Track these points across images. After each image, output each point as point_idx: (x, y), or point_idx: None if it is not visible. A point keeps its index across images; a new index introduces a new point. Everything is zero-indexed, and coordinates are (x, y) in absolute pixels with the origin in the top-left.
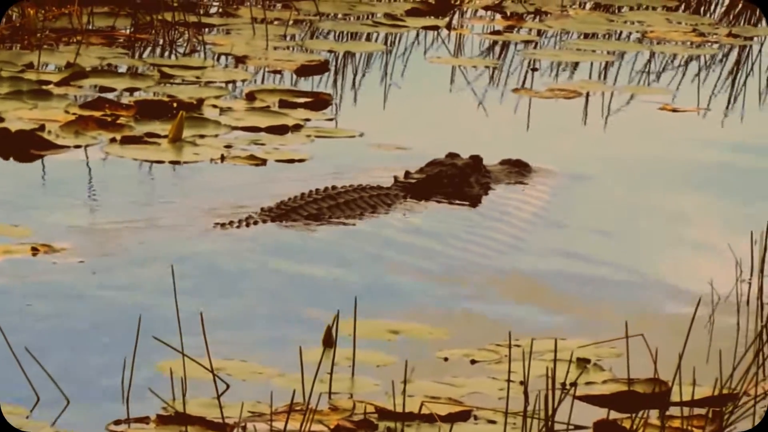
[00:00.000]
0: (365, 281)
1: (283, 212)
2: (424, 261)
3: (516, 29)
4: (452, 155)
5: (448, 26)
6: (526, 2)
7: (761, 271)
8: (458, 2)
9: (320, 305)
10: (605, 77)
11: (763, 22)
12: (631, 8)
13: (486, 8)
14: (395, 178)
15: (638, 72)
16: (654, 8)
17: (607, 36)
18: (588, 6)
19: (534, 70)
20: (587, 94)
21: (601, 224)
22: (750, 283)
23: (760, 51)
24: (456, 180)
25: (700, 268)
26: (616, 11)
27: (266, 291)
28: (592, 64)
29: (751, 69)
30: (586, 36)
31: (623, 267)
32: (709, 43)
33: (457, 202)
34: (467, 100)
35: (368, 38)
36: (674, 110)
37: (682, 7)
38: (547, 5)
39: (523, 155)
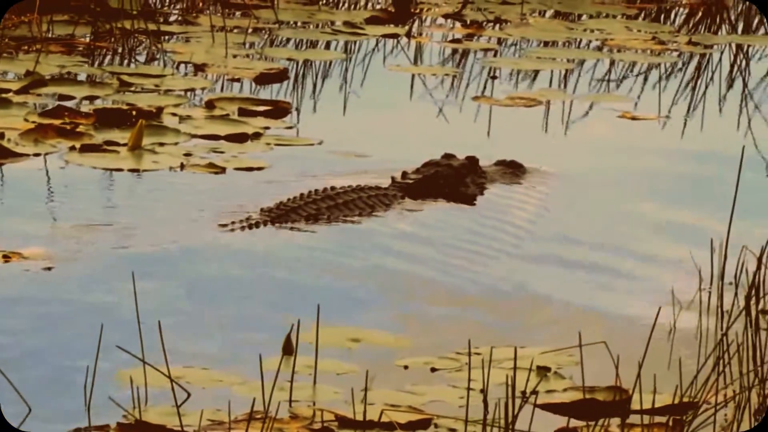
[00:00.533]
0: (332, 287)
1: (283, 213)
2: (407, 265)
3: (476, 37)
4: (448, 156)
5: (408, 34)
6: (486, 10)
7: (721, 279)
8: (418, 10)
9: (292, 310)
10: (565, 85)
11: (723, 29)
12: (591, 16)
13: (446, 16)
14: (393, 178)
15: (598, 80)
16: (614, 16)
17: (566, 44)
18: (548, 14)
19: (494, 78)
20: (547, 103)
21: (564, 230)
22: (710, 292)
23: (720, 59)
24: (452, 180)
25: (661, 276)
26: (576, 19)
27: (235, 295)
28: (552, 72)
29: (711, 77)
30: (545, 44)
31: (585, 275)
32: (669, 51)
33: (453, 202)
34: (427, 108)
35: (328, 46)
36: (634, 118)
37: (642, 15)
38: (507, 13)
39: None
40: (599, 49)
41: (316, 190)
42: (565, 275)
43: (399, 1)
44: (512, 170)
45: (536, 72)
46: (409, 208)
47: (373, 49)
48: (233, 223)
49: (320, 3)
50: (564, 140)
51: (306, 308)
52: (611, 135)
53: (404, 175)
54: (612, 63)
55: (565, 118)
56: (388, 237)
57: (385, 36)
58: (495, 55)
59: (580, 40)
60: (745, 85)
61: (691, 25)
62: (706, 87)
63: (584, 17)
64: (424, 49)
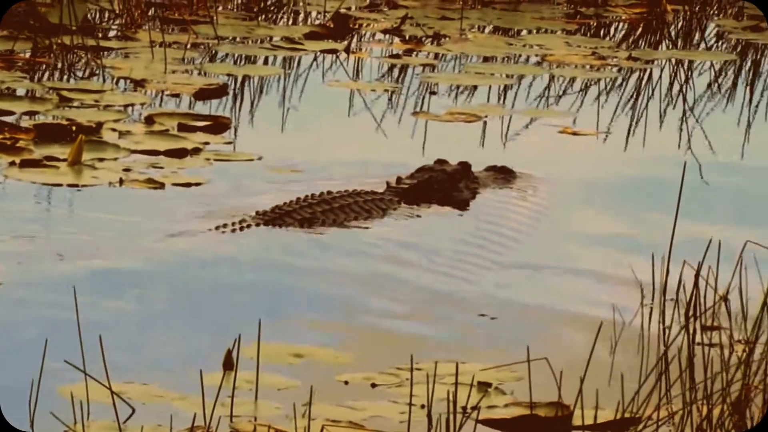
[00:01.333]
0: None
1: (277, 216)
2: (378, 271)
3: (415, 53)
4: (441, 161)
5: (347, 50)
6: (425, 26)
7: (663, 294)
8: (357, 26)
9: (243, 321)
10: (504, 101)
11: (663, 45)
12: (530, 32)
13: (384, 32)
14: (387, 183)
15: (538, 95)
16: (553, 31)
17: (506, 59)
18: (487, 29)
19: (433, 93)
20: (486, 117)
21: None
22: (652, 308)
23: (660, 74)
24: (446, 185)
25: (604, 291)
26: (515, 35)
27: (188, 303)
28: (491, 87)
29: (652, 92)
30: (485, 59)
31: (530, 289)
32: (609, 67)
33: (447, 206)
34: (366, 123)
35: (267, 62)
36: (574, 133)
37: (582, 30)
38: (446, 29)
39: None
40: (539, 64)
41: (312, 194)
42: (507, 288)
43: (338, 16)
44: (503, 175)
45: (475, 87)
46: (406, 213)
47: (312, 65)
48: (225, 225)
49: (259, 18)
50: (504, 154)
51: (252, 316)
52: (552, 149)
53: (399, 180)
54: (551, 78)
55: (504, 133)
56: (372, 241)
57: (324, 51)
58: (434, 71)
59: (520, 56)
60: (684, 99)
61: (631, 41)
62: (647, 102)
63: (524, 32)
64: (363, 65)
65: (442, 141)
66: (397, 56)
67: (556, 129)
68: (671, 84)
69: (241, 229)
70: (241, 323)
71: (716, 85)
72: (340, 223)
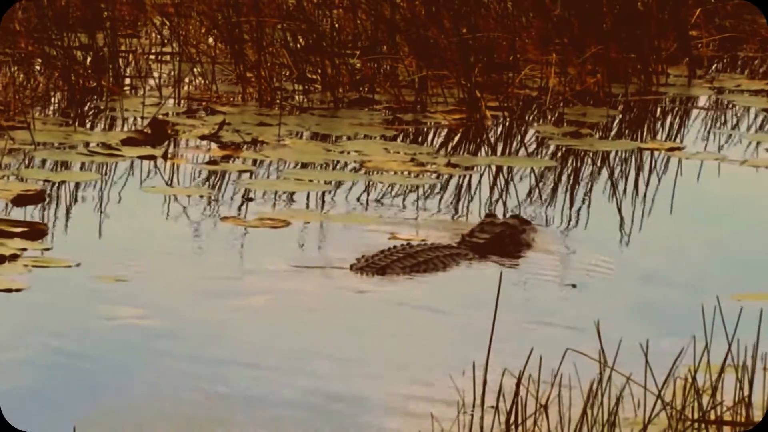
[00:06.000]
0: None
1: (375, 270)
2: None
3: (232, 159)
4: (493, 215)
5: (165, 156)
6: (243, 132)
7: (482, 403)
8: (174, 132)
9: None
10: (322, 207)
11: (482, 151)
12: (349, 138)
13: (203, 137)
14: (463, 236)
15: (356, 201)
16: (371, 137)
17: (324, 166)
18: (305, 135)
19: (249, 200)
20: (304, 223)
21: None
22: (473, 414)
23: (479, 180)
24: (515, 239)
25: (422, 400)
26: (334, 141)
27: None
28: (308, 193)
29: (472, 198)
30: (303, 165)
31: (350, 393)
32: (429, 173)
33: (513, 258)
34: (181, 230)
35: (83, 167)
36: (407, 240)
37: (401, 136)
38: (264, 135)
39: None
40: (357, 170)
41: (395, 246)
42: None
43: (155, 122)
44: (530, 226)
45: (292, 193)
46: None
47: (129, 171)
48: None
49: (76, 124)
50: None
51: None
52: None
53: (472, 233)
54: (369, 184)
55: (319, 240)
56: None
57: (141, 157)
58: (252, 177)
59: (338, 162)
60: (505, 206)
61: (449, 147)
62: (468, 208)
63: (342, 138)
64: (181, 171)
65: (255, 246)
66: (214, 162)
67: (385, 235)
68: (491, 190)
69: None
70: None
71: (537, 191)
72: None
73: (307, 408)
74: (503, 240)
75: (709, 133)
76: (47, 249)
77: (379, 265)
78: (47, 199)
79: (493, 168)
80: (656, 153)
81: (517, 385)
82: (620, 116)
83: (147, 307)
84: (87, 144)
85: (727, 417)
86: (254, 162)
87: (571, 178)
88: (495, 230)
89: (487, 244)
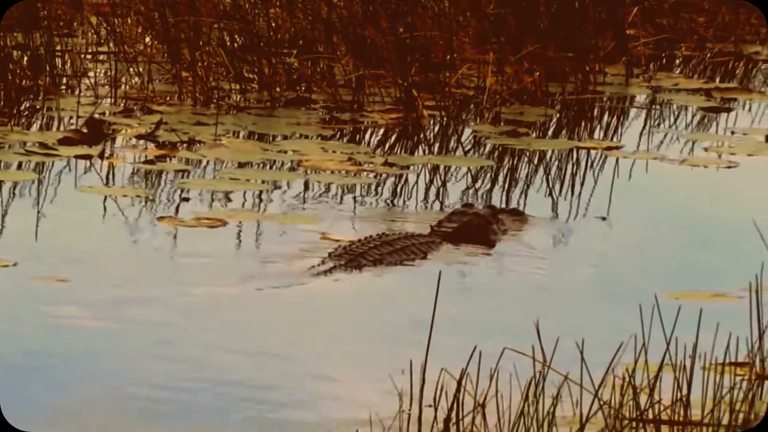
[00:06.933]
0: None
1: (352, 257)
2: None
3: (169, 158)
4: (468, 205)
5: (101, 155)
6: (180, 131)
7: (420, 401)
8: (111, 132)
9: None
10: (259, 206)
11: (419, 150)
12: (286, 137)
13: (139, 137)
14: (431, 227)
15: (293, 201)
16: (308, 137)
17: (261, 165)
18: (242, 135)
19: (186, 200)
20: (239, 222)
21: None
22: (410, 414)
23: (416, 179)
24: (483, 228)
25: (364, 398)
26: (271, 140)
27: None
28: (245, 193)
29: (409, 197)
30: (240, 165)
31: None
32: (365, 173)
33: (481, 245)
34: (117, 230)
35: (20, 167)
36: (337, 240)
37: (338, 135)
38: (201, 134)
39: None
40: (293, 169)
41: (371, 236)
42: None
43: (92, 122)
44: (518, 217)
45: (229, 193)
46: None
47: (65, 170)
48: (313, 267)
49: (11, 123)
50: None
51: None
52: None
53: (440, 224)
54: (306, 184)
55: (255, 239)
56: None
57: (77, 157)
58: (188, 177)
59: (275, 161)
60: (441, 205)
61: (386, 146)
62: (403, 207)
63: (279, 138)
64: (117, 171)
65: (190, 246)
66: (151, 162)
67: (316, 234)
68: (427, 189)
69: (327, 273)
70: None
71: (473, 190)
72: (401, 262)
73: (227, 403)
74: (470, 230)
75: (647, 132)
76: None
77: (356, 252)
78: None
79: (429, 167)
80: (594, 152)
81: (459, 383)
82: (557, 115)
83: (85, 307)
84: (24, 143)
85: (664, 416)
86: (191, 162)
87: (508, 177)
88: (463, 219)
89: (455, 232)
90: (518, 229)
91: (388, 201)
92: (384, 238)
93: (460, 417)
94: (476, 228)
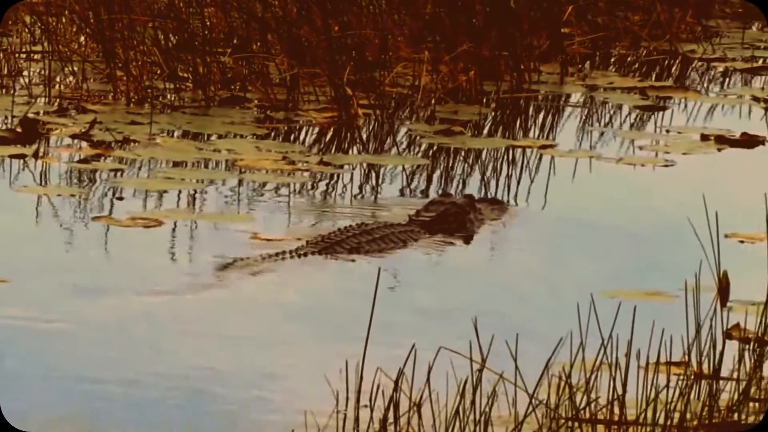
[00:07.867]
0: None
1: (328, 245)
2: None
3: (104, 158)
4: (446, 194)
5: (35, 155)
6: (114, 131)
7: (357, 401)
8: (45, 131)
9: None
10: (193, 205)
11: (354, 149)
12: (220, 136)
13: (73, 136)
14: (409, 216)
15: (228, 200)
16: (243, 136)
17: (196, 164)
18: (176, 134)
19: (120, 199)
20: (174, 223)
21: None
22: (345, 414)
23: (351, 178)
24: (460, 217)
25: (299, 397)
26: (205, 139)
27: None
28: (180, 192)
29: (342, 195)
30: (175, 164)
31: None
32: (300, 172)
33: (459, 234)
34: (53, 229)
35: None
36: (267, 240)
37: (272, 135)
38: (136, 134)
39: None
40: (228, 168)
41: (350, 226)
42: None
43: (26, 121)
44: (497, 206)
45: (163, 192)
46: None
47: None
48: (283, 253)
49: None
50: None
51: None
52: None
53: (418, 213)
54: (240, 183)
55: (188, 240)
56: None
57: (11, 156)
58: (122, 176)
59: (210, 160)
60: (376, 202)
61: (322, 145)
62: (336, 204)
63: (213, 137)
64: (52, 170)
65: (127, 246)
66: (85, 161)
67: (247, 234)
68: (361, 188)
69: (299, 257)
70: None
71: (408, 189)
72: (381, 251)
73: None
74: (447, 218)
75: (583, 130)
76: None
77: (333, 240)
78: None
79: (364, 166)
80: (529, 151)
81: (396, 382)
82: (493, 114)
83: (23, 307)
84: None
85: (600, 415)
86: (125, 161)
87: (443, 176)
88: (440, 209)
89: (433, 221)
90: (496, 218)
91: (323, 198)
92: (363, 227)
93: (397, 416)
94: (453, 216)
